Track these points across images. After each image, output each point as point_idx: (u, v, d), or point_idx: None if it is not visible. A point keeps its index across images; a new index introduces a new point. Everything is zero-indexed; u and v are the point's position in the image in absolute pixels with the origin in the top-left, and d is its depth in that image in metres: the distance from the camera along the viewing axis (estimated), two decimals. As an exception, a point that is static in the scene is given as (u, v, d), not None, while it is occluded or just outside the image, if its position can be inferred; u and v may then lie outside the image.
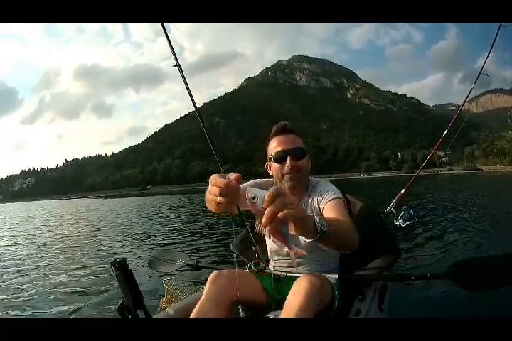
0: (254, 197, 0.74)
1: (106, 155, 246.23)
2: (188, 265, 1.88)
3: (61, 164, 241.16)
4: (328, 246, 1.03)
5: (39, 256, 6.21)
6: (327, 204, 1.36)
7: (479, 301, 2.51)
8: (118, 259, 1.17)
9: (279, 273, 1.46)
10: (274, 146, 1.43)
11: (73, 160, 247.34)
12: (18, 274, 4.80)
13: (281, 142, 1.41)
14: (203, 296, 1.30)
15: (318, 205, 1.40)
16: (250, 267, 1.42)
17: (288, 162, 1.37)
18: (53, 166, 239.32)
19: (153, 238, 7.64)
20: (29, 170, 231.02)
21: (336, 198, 1.36)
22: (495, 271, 1.26)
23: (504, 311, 2.46)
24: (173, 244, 6.62)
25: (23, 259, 5.99)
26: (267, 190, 0.80)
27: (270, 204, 0.72)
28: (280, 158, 1.39)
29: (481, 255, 4.21)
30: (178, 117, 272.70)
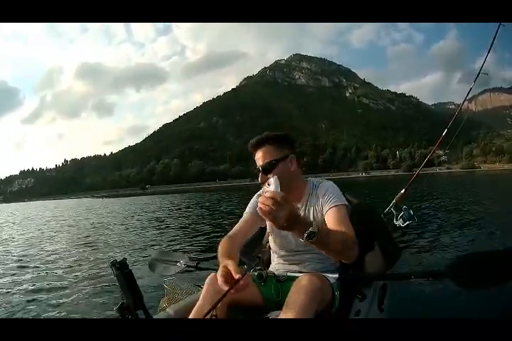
0: (269, 184, 1.02)
1: (105, 154, 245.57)
2: (188, 266, 1.88)
3: (60, 164, 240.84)
4: (322, 250, 1.14)
5: (39, 256, 6.18)
6: (330, 209, 1.39)
7: (480, 301, 2.51)
8: (118, 259, 1.17)
9: (280, 273, 1.48)
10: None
11: (72, 160, 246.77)
12: (16, 274, 4.78)
13: (255, 159, 1.50)
14: (201, 298, 1.30)
15: (322, 208, 1.43)
16: (254, 277, 1.40)
17: (260, 177, 1.47)
18: (52, 166, 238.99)
19: (153, 236, 7.64)
20: (28, 170, 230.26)
21: (339, 204, 1.40)
22: (496, 266, 1.23)
23: (504, 311, 2.46)
24: (174, 243, 6.60)
25: (22, 259, 5.96)
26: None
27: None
28: (258, 173, 1.49)
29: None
30: (177, 117, 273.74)
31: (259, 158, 1.47)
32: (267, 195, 0.98)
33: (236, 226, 1.54)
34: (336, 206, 1.39)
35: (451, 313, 2.51)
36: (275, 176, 1.05)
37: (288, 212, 0.96)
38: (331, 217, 1.37)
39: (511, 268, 1.22)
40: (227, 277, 1.11)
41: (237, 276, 1.07)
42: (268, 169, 1.45)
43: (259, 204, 0.97)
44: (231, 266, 1.13)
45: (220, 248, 1.36)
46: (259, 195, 1.32)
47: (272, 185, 1.02)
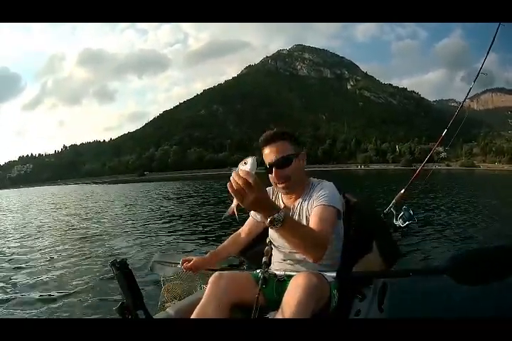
0: (246, 163, 0.98)
1: (104, 140, 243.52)
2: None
3: (59, 150, 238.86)
4: (286, 240, 1.14)
5: (37, 255, 5.79)
6: (317, 207, 1.36)
7: (480, 301, 2.54)
8: (118, 259, 1.19)
9: (279, 273, 1.47)
10: (264, 157, 1.47)
11: (71, 145, 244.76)
12: (15, 272, 4.61)
13: (267, 154, 1.44)
14: (204, 297, 1.31)
15: (312, 206, 1.41)
16: (259, 279, 1.35)
17: (274, 173, 1.41)
18: (51, 152, 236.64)
19: (153, 232, 7.47)
20: (27, 156, 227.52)
21: (325, 205, 1.35)
22: (495, 262, 1.22)
23: (505, 310, 2.49)
24: (174, 239, 6.49)
25: (21, 258, 5.61)
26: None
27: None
28: (269, 170, 1.44)
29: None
30: (178, 104, 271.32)
31: (274, 152, 1.41)
32: (241, 173, 0.96)
33: (243, 226, 1.69)
34: (323, 205, 1.35)
35: (451, 313, 2.53)
36: (254, 157, 1.01)
37: (255, 196, 0.96)
38: (313, 215, 1.35)
39: (510, 265, 1.21)
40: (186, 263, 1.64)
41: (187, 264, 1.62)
42: (285, 163, 1.40)
43: (231, 180, 0.96)
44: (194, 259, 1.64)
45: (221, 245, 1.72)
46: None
47: (248, 165, 0.98)
